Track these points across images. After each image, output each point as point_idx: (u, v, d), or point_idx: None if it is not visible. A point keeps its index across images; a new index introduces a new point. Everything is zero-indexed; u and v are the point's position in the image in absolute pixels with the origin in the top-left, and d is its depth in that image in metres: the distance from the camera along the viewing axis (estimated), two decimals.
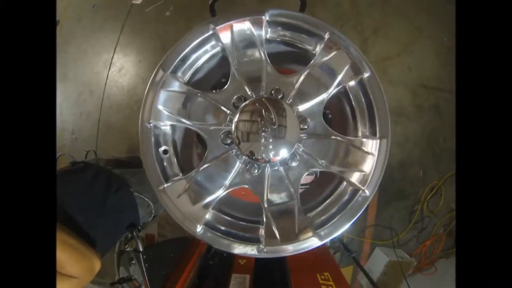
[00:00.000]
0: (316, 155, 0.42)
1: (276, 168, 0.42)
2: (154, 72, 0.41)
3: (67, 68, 2.09)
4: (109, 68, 1.99)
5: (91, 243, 0.41)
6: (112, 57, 2.00)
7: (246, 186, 0.42)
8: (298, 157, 0.42)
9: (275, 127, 0.38)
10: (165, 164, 0.43)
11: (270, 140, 0.38)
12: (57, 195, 0.30)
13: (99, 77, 2.02)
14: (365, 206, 0.41)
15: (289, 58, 0.49)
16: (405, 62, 1.70)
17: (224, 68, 0.46)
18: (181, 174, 0.43)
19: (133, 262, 0.70)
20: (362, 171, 0.41)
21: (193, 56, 0.43)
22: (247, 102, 0.40)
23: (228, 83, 0.42)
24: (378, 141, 0.41)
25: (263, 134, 0.38)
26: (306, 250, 0.41)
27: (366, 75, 0.41)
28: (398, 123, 1.70)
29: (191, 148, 0.53)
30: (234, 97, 0.41)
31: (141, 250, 0.67)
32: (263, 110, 0.39)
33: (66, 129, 2.06)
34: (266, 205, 0.41)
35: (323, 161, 0.42)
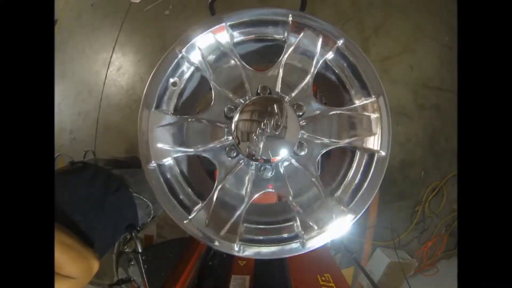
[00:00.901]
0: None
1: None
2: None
3: (66, 67, 2.09)
4: (108, 67, 2.00)
5: (90, 243, 0.41)
6: (111, 56, 2.00)
7: (213, 160, 0.42)
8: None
9: (272, 124, 0.38)
10: (165, 97, 0.43)
11: (270, 137, 0.39)
12: (55, 195, 0.30)
13: (98, 76, 2.02)
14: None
15: (264, 54, 0.49)
16: (406, 62, 1.70)
17: (264, 57, 0.46)
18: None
19: (132, 263, 0.70)
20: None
21: (252, 28, 0.43)
22: (239, 108, 0.40)
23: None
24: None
25: (261, 130, 0.38)
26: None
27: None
28: (399, 123, 1.70)
29: (200, 171, 0.53)
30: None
31: (140, 251, 0.67)
32: (268, 109, 0.39)
33: (64, 129, 2.06)
34: (218, 188, 0.42)
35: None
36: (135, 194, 0.57)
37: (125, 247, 0.72)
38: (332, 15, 1.72)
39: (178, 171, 0.45)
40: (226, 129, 0.41)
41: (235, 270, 0.64)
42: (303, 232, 0.41)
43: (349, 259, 1.35)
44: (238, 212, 0.41)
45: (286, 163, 0.42)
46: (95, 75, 2.03)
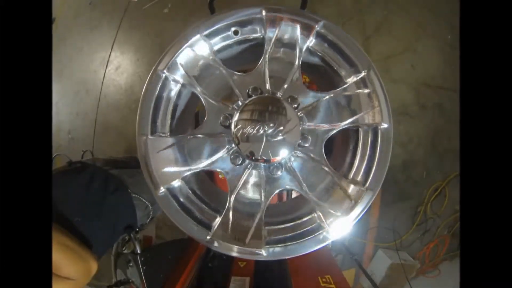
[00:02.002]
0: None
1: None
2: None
3: (63, 66, 2.09)
4: (106, 67, 2.00)
5: (88, 244, 0.41)
6: (109, 55, 2.00)
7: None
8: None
9: (274, 127, 0.38)
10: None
11: (268, 140, 0.39)
12: (53, 195, 0.30)
13: (96, 75, 2.02)
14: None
15: (316, 72, 0.49)
16: (408, 60, 1.70)
17: (249, 57, 0.46)
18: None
19: (131, 264, 0.70)
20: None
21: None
22: (247, 101, 0.40)
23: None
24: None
25: (261, 133, 0.38)
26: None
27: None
28: (401, 123, 1.70)
29: (187, 122, 0.53)
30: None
31: (138, 252, 0.67)
32: (268, 109, 0.39)
33: (62, 129, 2.06)
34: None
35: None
36: (134, 195, 0.57)
37: (124, 248, 0.72)
38: (332, 13, 1.72)
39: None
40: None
41: (235, 272, 0.64)
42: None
43: (351, 261, 1.35)
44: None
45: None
46: (93, 74, 2.03)
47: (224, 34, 0.44)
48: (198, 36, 0.41)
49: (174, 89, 0.44)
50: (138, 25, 1.96)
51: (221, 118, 0.41)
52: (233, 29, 0.43)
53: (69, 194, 0.46)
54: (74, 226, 0.42)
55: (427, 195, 1.75)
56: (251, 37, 0.44)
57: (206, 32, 0.42)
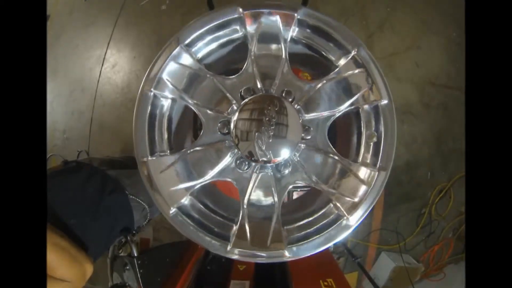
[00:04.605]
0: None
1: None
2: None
3: (58, 65, 2.09)
4: (102, 64, 1.99)
5: (83, 247, 0.41)
6: (105, 53, 2.00)
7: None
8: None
9: (275, 126, 0.38)
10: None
11: (270, 141, 0.39)
12: (48, 196, 0.30)
13: (92, 73, 2.02)
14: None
15: (306, 62, 0.49)
16: (412, 58, 1.70)
17: (233, 58, 0.46)
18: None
19: (127, 267, 0.70)
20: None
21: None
22: (247, 100, 0.40)
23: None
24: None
25: (263, 133, 0.38)
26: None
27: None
28: (404, 122, 1.70)
29: (186, 133, 0.54)
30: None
31: (135, 255, 0.67)
32: (267, 108, 0.39)
33: (57, 128, 2.06)
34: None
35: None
36: (131, 196, 0.57)
37: (120, 251, 0.72)
38: (335, 10, 1.72)
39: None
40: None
41: (235, 275, 0.64)
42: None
43: (353, 264, 1.35)
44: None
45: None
46: (89, 72, 2.03)
47: (206, 40, 0.43)
48: (178, 48, 0.41)
49: (166, 104, 0.44)
50: (135, 22, 1.95)
51: (219, 125, 0.41)
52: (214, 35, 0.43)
53: (64, 195, 0.46)
54: (69, 227, 0.41)
55: (431, 196, 1.75)
56: (234, 37, 0.44)
57: (186, 42, 0.41)
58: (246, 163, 0.41)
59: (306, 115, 0.42)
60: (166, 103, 0.44)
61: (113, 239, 0.59)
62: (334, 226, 0.42)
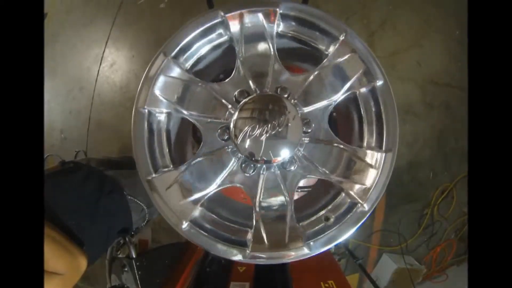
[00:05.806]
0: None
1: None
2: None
3: (56, 64, 2.09)
4: (100, 63, 1.99)
5: (80, 244, 0.41)
6: (104, 52, 2.00)
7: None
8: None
9: (276, 126, 0.38)
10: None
11: (271, 140, 0.39)
12: (45, 196, 0.30)
13: (90, 73, 2.01)
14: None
15: (298, 56, 0.49)
16: (414, 57, 1.70)
17: (227, 61, 0.46)
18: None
19: (126, 269, 0.70)
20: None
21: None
22: (246, 99, 0.40)
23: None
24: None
25: (264, 133, 0.38)
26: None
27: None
28: (406, 122, 1.70)
29: (186, 143, 0.54)
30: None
31: (134, 256, 0.67)
32: (265, 108, 0.39)
33: (54, 128, 2.06)
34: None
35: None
36: (129, 197, 0.57)
37: (118, 253, 0.72)
38: (335, 9, 1.72)
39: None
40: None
41: (234, 277, 0.64)
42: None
43: (354, 265, 1.35)
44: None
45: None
46: (87, 72, 2.02)
47: (193, 48, 0.43)
48: (165, 61, 0.41)
49: (162, 119, 0.44)
50: (134, 20, 1.95)
51: (218, 131, 0.41)
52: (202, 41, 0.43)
53: (62, 195, 0.46)
54: (67, 229, 0.41)
55: (433, 197, 1.75)
56: (221, 41, 0.44)
57: (173, 54, 0.41)
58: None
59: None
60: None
61: (111, 240, 0.59)
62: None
